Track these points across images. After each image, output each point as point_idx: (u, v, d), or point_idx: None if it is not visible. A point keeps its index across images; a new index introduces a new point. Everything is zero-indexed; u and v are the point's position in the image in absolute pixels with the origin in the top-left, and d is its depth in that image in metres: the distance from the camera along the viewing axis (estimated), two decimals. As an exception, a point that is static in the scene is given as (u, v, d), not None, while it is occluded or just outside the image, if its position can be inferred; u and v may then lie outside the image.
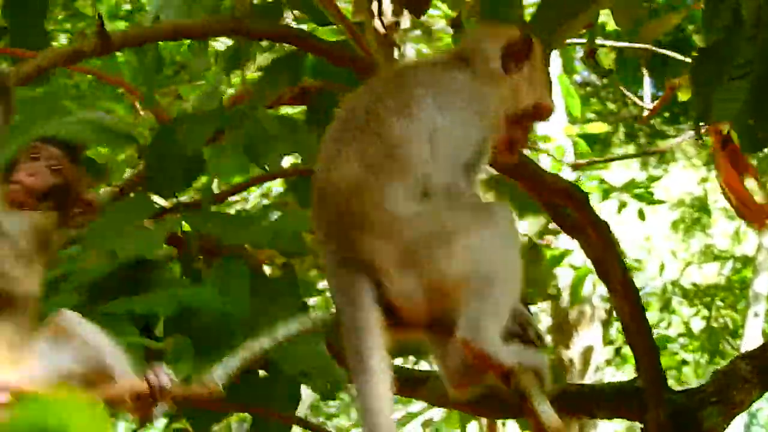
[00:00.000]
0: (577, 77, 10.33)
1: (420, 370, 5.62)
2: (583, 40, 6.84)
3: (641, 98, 8.06)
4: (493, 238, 2.80)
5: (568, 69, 9.03)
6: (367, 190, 2.81)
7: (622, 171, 11.46)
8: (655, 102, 7.55)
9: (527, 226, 7.12)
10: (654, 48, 6.42)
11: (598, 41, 7.27)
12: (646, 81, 7.87)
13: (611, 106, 11.51)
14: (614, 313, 11.36)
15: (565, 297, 9.32)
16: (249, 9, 5.19)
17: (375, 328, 2.79)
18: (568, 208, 4.52)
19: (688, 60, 6.55)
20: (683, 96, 4.90)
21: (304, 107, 5.24)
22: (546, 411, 2.70)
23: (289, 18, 5.47)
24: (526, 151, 4.87)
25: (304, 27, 5.43)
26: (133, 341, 3.84)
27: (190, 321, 4.10)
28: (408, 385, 4.83)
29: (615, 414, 4.86)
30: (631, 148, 11.89)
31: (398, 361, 6.67)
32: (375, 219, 2.79)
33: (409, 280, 2.80)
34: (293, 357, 3.90)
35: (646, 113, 8.45)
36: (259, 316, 4.12)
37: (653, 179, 11.76)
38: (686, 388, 4.89)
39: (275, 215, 5.23)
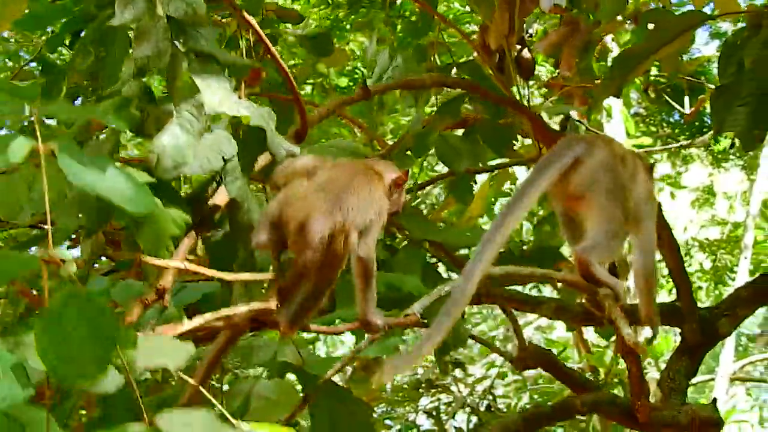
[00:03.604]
0: (631, 110, 10.20)
1: (540, 295, 5.60)
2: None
3: (683, 108, 8.00)
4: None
5: (626, 103, 8.94)
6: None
7: (659, 168, 11.39)
8: (692, 110, 7.50)
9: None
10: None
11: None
12: (686, 98, 7.82)
13: (652, 128, 11.38)
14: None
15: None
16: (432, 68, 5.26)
17: None
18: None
19: (709, 85, 6.62)
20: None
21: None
22: (628, 332, 2.68)
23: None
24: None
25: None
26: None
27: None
28: (530, 304, 4.81)
29: (662, 323, 4.84)
30: (664, 155, 11.78)
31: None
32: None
33: None
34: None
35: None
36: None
37: (679, 174, 11.68)
38: (706, 306, 4.86)
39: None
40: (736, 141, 3.92)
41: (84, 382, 1.85)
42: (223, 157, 3.04)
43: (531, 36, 5.60)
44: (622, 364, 8.81)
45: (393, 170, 2.92)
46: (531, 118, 4.52)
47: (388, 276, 4.08)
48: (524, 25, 5.09)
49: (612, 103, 8.61)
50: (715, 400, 4.15)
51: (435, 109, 5.12)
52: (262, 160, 3.28)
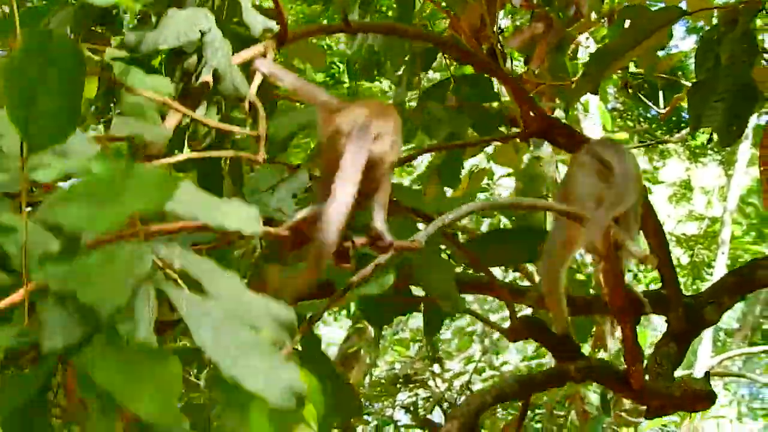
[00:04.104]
0: (609, 105, 10.23)
1: (524, 285, 5.61)
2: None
3: (659, 107, 8.01)
4: None
5: (603, 98, 8.97)
6: None
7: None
8: (667, 108, 7.50)
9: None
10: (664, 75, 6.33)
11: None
12: (661, 96, 7.84)
13: (630, 123, 11.45)
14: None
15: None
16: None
17: None
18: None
19: (685, 82, 6.61)
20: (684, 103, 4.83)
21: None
22: (636, 248, 2.67)
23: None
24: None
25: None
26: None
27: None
28: (513, 294, 4.81)
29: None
30: (641, 150, 11.85)
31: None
32: None
33: None
34: (430, 284, 3.65)
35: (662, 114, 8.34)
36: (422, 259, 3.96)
37: (656, 168, 11.75)
38: (692, 294, 4.88)
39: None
40: (714, 136, 3.94)
41: (54, 141, 1.80)
42: (200, 31, 3.01)
43: (502, 31, 5.61)
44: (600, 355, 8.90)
45: None
46: (514, 88, 4.48)
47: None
48: (497, 20, 5.10)
49: (589, 98, 8.65)
50: (707, 373, 4.15)
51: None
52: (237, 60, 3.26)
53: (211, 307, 1.68)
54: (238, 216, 1.83)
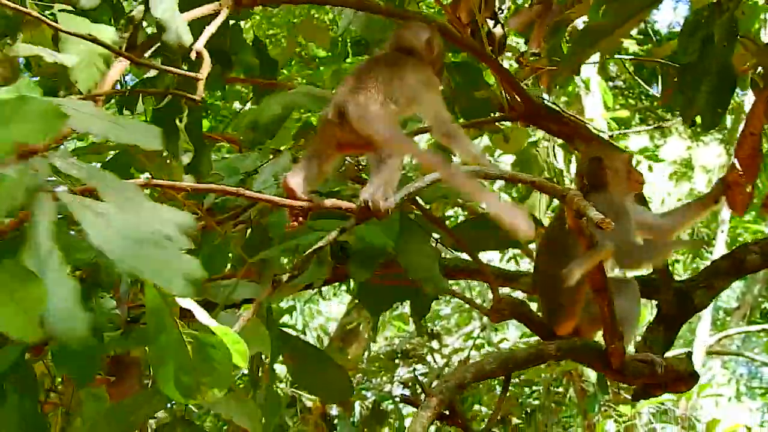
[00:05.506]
0: (610, 83, 10.24)
1: (517, 270, 5.65)
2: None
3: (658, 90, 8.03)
4: None
5: (605, 77, 8.99)
6: None
7: (637, 140, 11.47)
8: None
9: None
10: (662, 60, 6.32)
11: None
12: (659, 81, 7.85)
13: (631, 100, 11.44)
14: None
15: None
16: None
17: None
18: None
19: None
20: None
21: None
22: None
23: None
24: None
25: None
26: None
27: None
28: (507, 278, 4.84)
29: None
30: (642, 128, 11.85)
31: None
32: None
33: None
34: (413, 267, 3.73)
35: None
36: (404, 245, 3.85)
37: (657, 146, 11.74)
38: (683, 278, 4.90)
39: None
40: (697, 119, 3.95)
41: None
42: None
43: (503, 12, 5.63)
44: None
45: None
46: (501, 74, 4.51)
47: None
48: (496, 1, 5.12)
49: (591, 75, 8.67)
50: (690, 353, 4.19)
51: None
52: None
53: (107, 208, 1.70)
54: (138, 132, 1.89)
